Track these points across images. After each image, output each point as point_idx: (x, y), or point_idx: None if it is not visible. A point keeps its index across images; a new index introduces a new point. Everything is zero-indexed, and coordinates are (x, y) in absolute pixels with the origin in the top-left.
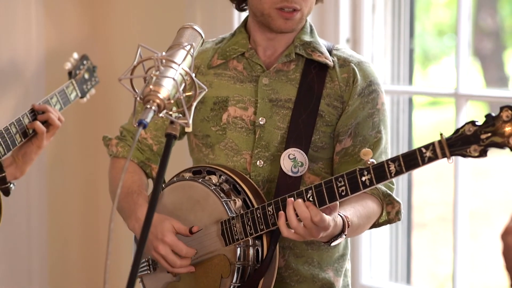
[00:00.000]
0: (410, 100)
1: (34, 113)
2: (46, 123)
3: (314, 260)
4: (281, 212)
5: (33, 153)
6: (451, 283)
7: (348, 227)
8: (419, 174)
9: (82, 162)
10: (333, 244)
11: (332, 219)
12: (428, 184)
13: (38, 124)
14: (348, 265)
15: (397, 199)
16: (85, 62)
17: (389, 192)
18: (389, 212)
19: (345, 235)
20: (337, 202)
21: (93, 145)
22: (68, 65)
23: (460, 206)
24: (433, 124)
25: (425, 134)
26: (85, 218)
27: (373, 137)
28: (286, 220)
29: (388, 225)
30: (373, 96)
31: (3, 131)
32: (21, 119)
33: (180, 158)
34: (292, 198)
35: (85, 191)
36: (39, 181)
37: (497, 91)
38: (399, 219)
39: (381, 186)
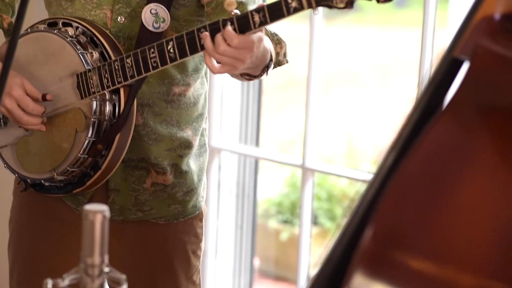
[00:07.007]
0: None
1: None
2: None
3: (173, 119)
4: (205, 34)
5: None
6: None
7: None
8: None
9: None
10: (266, 73)
11: (258, 37)
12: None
13: None
14: (205, 124)
15: (283, 38)
16: None
17: (275, 31)
18: (278, 52)
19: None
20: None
21: None
22: None
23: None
24: None
25: None
26: None
27: None
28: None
29: (277, 67)
30: None
31: None
32: None
33: (38, 12)
34: (208, 32)
35: None
36: None
37: None
38: (287, 62)
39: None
